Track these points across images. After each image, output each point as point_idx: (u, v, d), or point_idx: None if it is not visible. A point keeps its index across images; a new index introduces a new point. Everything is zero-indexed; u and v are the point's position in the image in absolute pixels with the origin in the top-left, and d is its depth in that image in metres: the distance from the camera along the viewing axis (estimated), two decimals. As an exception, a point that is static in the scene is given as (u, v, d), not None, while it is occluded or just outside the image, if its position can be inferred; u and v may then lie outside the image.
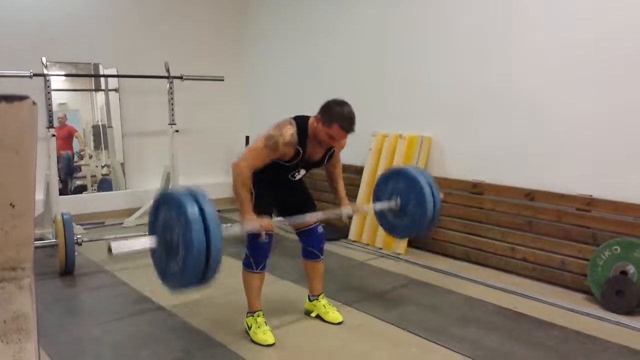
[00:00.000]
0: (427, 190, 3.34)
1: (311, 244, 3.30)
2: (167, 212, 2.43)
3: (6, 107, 0.67)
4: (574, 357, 2.94)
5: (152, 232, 2.55)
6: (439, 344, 3.07)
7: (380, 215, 3.62)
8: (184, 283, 2.40)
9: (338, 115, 2.86)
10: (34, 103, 0.71)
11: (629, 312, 3.47)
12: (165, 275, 2.50)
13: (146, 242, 2.45)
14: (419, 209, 3.36)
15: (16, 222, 0.72)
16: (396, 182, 3.50)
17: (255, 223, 2.76)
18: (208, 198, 2.41)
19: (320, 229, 3.30)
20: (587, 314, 3.51)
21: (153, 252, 2.54)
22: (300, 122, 2.97)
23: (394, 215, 3.53)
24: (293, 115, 3.05)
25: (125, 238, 2.37)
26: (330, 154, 3.14)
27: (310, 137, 2.97)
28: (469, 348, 3.01)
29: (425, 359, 2.92)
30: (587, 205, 3.81)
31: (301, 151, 2.96)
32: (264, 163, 2.91)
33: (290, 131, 2.89)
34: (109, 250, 2.38)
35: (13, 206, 0.72)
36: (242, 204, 2.80)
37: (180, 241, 2.33)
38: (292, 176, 3.13)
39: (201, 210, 2.31)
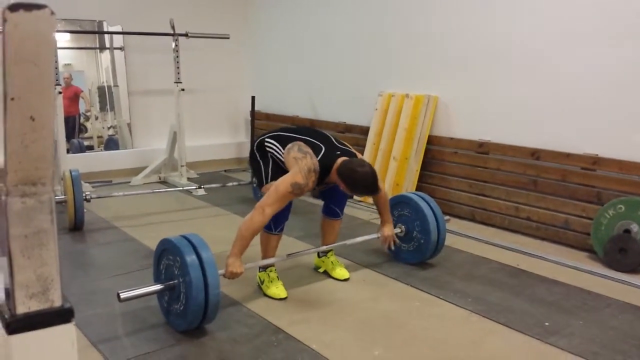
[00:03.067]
0: (430, 217, 3.51)
1: (334, 202, 3.34)
2: (169, 259, 2.70)
3: (24, 15, 0.67)
4: (575, 312, 2.99)
5: (156, 277, 2.84)
6: (441, 298, 3.13)
7: None
8: (187, 323, 2.61)
9: (361, 185, 2.90)
10: (52, 13, 0.72)
11: (632, 270, 3.51)
12: (169, 315, 2.75)
13: (151, 289, 2.67)
14: (424, 235, 3.51)
15: (36, 136, 0.74)
16: (401, 210, 3.66)
17: (229, 267, 2.79)
18: (205, 244, 2.64)
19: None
20: (590, 272, 3.55)
21: (159, 295, 2.81)
22: (324, 169, 2.96)
23: (400, 240, 3.61)
24: (320, 151, 3.01)
25: (135, 288, 2.64)
26: None
27: (329, 178, 3.02)
28: (471, 303, 3.07)
29: (427, 312, 2.98)
30: (593, 165, 3.82)
31: (316, 187, 3.08)
32: (286, 203, 2.95)
33: (313, 179, 2.91)
34: (118, 297, 2.54)
35: (33, 119, 0.73)
36: (238, 244, 2.82)
37: (181, 286, 2.60)
38: None
39: (199, 257, 2.57)
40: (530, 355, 2.57)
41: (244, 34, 6.99)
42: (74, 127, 6.55)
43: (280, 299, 3.08)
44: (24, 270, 0.79)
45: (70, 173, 4.26)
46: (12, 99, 0.75)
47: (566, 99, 3.96)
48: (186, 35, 5.69)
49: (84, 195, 4.27)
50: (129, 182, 5.91)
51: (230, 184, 5.39)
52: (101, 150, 6.60)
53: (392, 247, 3.48)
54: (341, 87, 5.81)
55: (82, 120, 6.71)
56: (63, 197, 4.31)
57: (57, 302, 0.83)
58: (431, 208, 3.55)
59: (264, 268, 3.20)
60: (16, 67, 0.73)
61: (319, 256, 3.51)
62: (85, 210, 4.33)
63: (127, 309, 2.91)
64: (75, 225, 4.22)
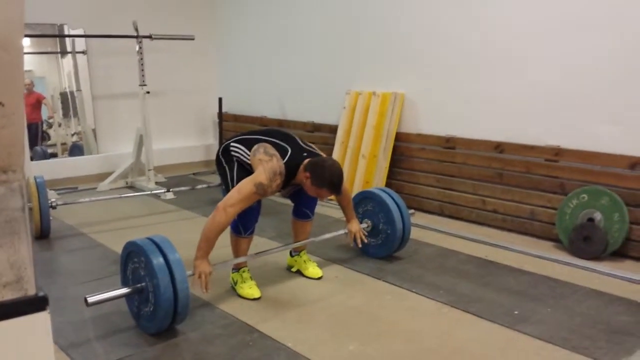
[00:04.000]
0: (394, 208, 3.58)
1: (304, 204, 3.34)
2: (134, 262, 2.69)
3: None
4: (543, 299, 3.06)
5: (123, 281, 2.83)
6: (412, 291, 3.17)
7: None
8: (157, 325, 2.61)
9: (327, 180, 2.90)
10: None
11: (596, 258, 3.62)
12: (139, 318, 2.73)
13: (118, 292, 2.64)
14: (390, 226, 3.58)
15: (6, 122, 0.73)
16: (365, 205, 3.72)
17: (197, 269, 2.78)
18: (171, 245, 2.64)
19: None
20: (556, 260, 3.64)
21: (127, 298, 2.78)
22: (291, 171, 2.97)
23: (367, 235, 3.63)
24: (286, 153, 3.01)
25: (103, 292, 2.59)
26: None
27: (295, 180, 3.04)
28: (442, 294, 3.12)
29: (399, 306, 3.02)
30: (555, 156, 3.91)
31: (281, 189, 3.09)
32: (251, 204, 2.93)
33: (278, 182, 2.91)
34: (86, 302, 2.49)
35: (3, 105, 0.72)
36: (203, 246, 2.80)
37: (149, 288, 2.58)
38: None
39: (165, 258, 2.56)
40: (500, 342, 2.62)
41: (210, 35, 6.94)
42: (36, 134, 6.41)
43: (254, 299, 3.08)
44: None
45: (35, 180, 4.16)
46: None
47: (528, 93, 4.05)
48: (150, 37, 5.64)
49: (49, 202, 4.19)
50: (96, 188, 5.82)
51: (199, 186, 5.35)
52: (65, 157, 6.47)
53: (360, 244, 3.50)
54: (309, 86, 5.83)
55: (44, 127, 6.57)
56: (28, 204, 4.20)
57: (31, 291, 0.83)
58: (394, 200, 3.62)
59: (236, 269, 3.19)
60: None
61: (291, 255, 3.51)
62: (51, 218, 4.24)
63: (98, 314, 2.87)
64: (41, 232, 4.13)
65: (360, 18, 5.19)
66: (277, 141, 3.07)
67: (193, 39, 5.98)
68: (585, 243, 3.65)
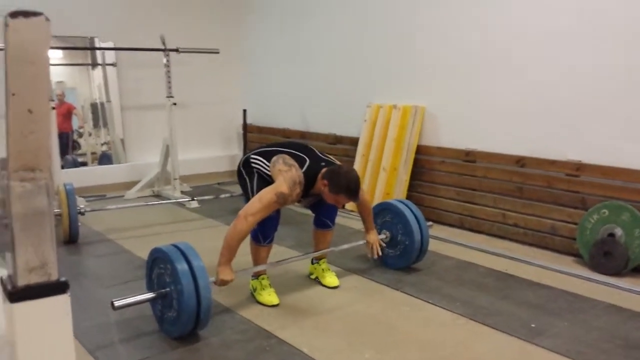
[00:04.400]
0: (412, 219, 3.62)
1: (324, 214, 3.41)
2: (160, 268, 2.78)
3: (23, 21, 0.76)
4: (561, 313, 3.06)
5: (148, 286, 2.92)
6: (430, 303, 3.20)
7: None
8: (180, 330, 2.69)
9: (345, 187, 2.98)
10: (47, 19, 0.81)
11: (616, 273, 3.60)
12: (163, 323, 2.82)
13: (143, 297, 2.74)
14: (408, 237, 3.61)
15: (34, 127, 0.82)
16: (384, 217, 3.77)
17: (219, 275, 2.86)
18: (195, 252, 2.71)
19: None
20: (576, 275, 3.63)
21: (152, 303, 2.87)
22: (309, 180, 3.06)
23: (386, 246, 3.72)
24: (305, 163, 3.10)
25: (128, 297, 2.70)
26: None
27: (313, 190, 3.13)
28: (459, 306, 3.14)
29: (416, 316, 3.05)
30: (577, 171, 3.91)
31: (301, 199, 3.19)
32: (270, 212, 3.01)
33: (297, 191, 3.00)
34: (112, 306, 2.60)
35: (31, 112, 0.81)
36: (225, 253, 2.88)
37: (173, 294, 2.66)
38: None
39: (189, 264, 2.64)
40: (516, 355, 2.64)
41: (235, 49, 7.09)
42: (67, 143, 6.61)
43: (273, 306, 3.14)
44: (24, 246, 0.87)
45: (65, 187, 4.31)
46: (13, 94, 0.84)
47: (549, 108, 4.07)
48: (177, 50, 5.79)
49: (78, 208, 4.33)
50: (123, 195, 5.97)
51: (222, 195, 5.45)
52: (95, 165, 6.65)
53: (379, 253, 3.54)
54: (331, 99, 5.91)
55: (75, 137, 6.77)
56: (58, 210, 4.35)
57: (54, 276, 0.91)
58: (412, 211, 3.66)
59: (256, 276, 3.26)
60: (16, 67, 0.82)
61: (312, 262, 3.58)
62: (79, 224, 4.38)
63: (122, 318, 2.96)
64: (70, 237, 4.27)
65: (380, 33, 5.26)
66: (296, 152, 3.16)
67: (218, 52, 6.14)
68: (606, 258, 3.63)
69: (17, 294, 0.91)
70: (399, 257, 3.69)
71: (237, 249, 2.91)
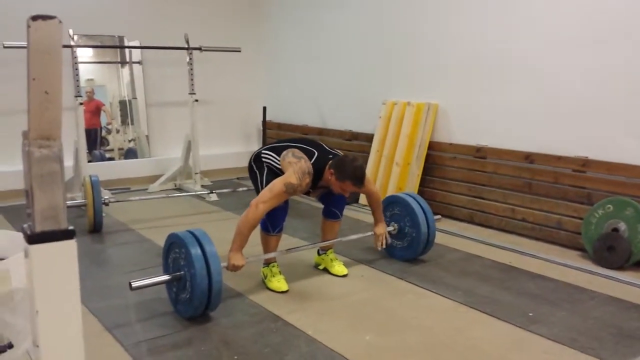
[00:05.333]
0: (419, 212, 3.74)
1: (334, 205, 3.57)
2: (175, 253, 2.96)
3: (42, 23, 0.98)
4: (560, 304, 3.16)
5: (165, 269, 3.11)
6: (433, 292, 3.33)
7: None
8: (192, 311, 2.86)
9: (350, 174, 3.14)
10: (60, 21, 1.01)
11: (619, 267, 3.67)
12: (177, 304, 2.99)
13: (159, 279, 2.94)
14: (415, 229, 3.74)
15: (49, 105, 1.02)
16: (393, 209, 3.90)
17: (231, 261, 3.03)
18: (208, 238, 2.89)
19: None
20: (579, 269, 3.71)
21: (167, 285, 3.04)
22: (318, 171, 3.22)
23: (394, 238, 3.87)
24: (313, 156, 3.27)
25: (146, 278, 2.91)
26: None
27: (322, 182, 3.29)
28: (461, 295, 3.26)
29: (419, 304, 3.18)
30: (583, 167, 3.99)
31: (310, 190, 3.33)
32: (281, 202, 3.18)
33: (307, 181, 3.17)
34: (130, 286, 2.81)
35: (47, 93, 1.02)
36: (237, 240, 3.06)
37: (187, 277, 2.83)
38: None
39: (202, 249, 2.81)
40: (511, 341, 2.75)
41: (256, 48, 7.29)
42: (95, 139, 6.89)
43: (282, 292, 3.30)
44: (40, 200, 1.07)
45: (90, 178, 4.54)
46: (34, 79, 1.06)
47: (557, 105, 4.15)
48: (199, 49, 6.00)
49: (102, 199, 4.56)
50: (147, 189, 6.20)
51: (240, 189, 5.65)
52: (121, 160, 6.92)
53: (384, 246, 3.67)
54: (348, 96, 6.06)
55: (104, 133, 7.04)
56: (83, 201, 4.59)
57: (64, 225, 1.12)
58: (420, 204, 3.79)
59: (266, 264, 3.43)
60: (35, 57, 1.03)
61: (318, 254, 3.73)
62: (104, 214, 4.61)
63: (139, 300, 3.16)
64: (94, 227, 4.50)
65: (396, 33, 5.40)
66: (305, 146, 3.32)
67: (239, 51, 6.33)
68: (609, 253, 3.71)
69: (35, 237, 1.14)
70: (406, 248, 3.82)
71: (248, 236, 3.08)
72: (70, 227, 1.17)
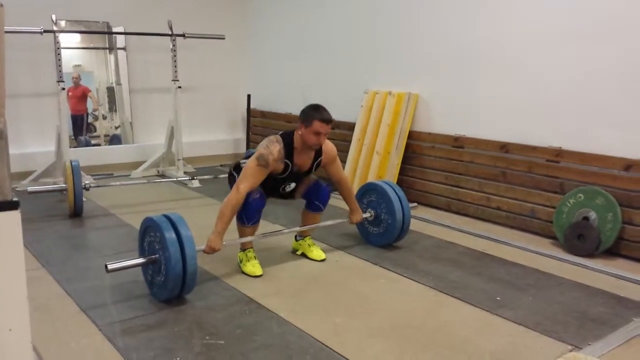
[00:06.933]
0: (395, 200, 3.80)
1: (318, 198, 3.61)
2: (151, 236, 2.99)
3: None
4: (527, 289, 3.24)
5: (140, 252, 3.14)
6: (405, 276, 3.40)
7: (358, 225, 4.05)
8: (167, 294, 2.91)
9: (314, 113, 3.25)
10: (1, 5, 1.04)
11: (589, 255, 3.76)
12: (152, 286, 3.04)
13: (134, 262, 2.98)
14: (390, 216, 3.81)
15: None
16: (370, 196, 3.97)
17: (208, 242, 3.09)
18: (184, 222, 2.92)
19: (324, 185, 3.64)
20: (550, 256, 3.80)
21: (143, 267, 3.09)
22: (286, 137, 3.31)
23: (370, 224, 3.96)
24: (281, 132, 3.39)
25: (122, 260, 2.94)
26: (318, 162, 3.47)
27: (297, 149, 3.33)
28: (432, 280, 3.34)
29: (391, 288, 3.25)
30: (556, 157, 4.07)
31: (290, 164, 3.33)
32: (260, 180, 3.24)
33: (277, 148, 3.24)
34: (106, 268, 2.85)
35: None
36: (219, 223, 3.11)
37: (162, 260, 2.87)
38: (283, 189, 3.52)
39: (177, 234, 2.85)
40: (477, 323, 2.82)
41: (240, 35, 7.29)
42: (82, 125, 6.89)
43: (256, 276, 3.36)
44: None
45: (71, 163, 4.56)
46: None
47: (533, 96, 4.22)
48: (183, 35, 6.01)
49: (83, 184, 4.58)
50: (130, 175, 6.22)
51: (222, 176, 5.67)
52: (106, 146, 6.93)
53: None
54: (331, 85, 6.09)
55: (90, 119, 7.04)
56: (64, 185, 4.61)
57: (8, 197, 1.16)
58: (395, 192, 3.85)
59: (243, 249, 3.48)
60: None
61: (296, 239, 3.78)
62: (84, 200, 4.64)
63: (116, 283, 3.21)
64: (74, 211, 4.53)
65: (378, 22, 5.43)
66: None
67: (223, 38, 6.34)
68: (579, 241, 3.80)
69: (-21, 208, 1.18)
70: (382, 234, 3.89)
71: (230, 219, 3.14)
72: (15, 199, 1.22)
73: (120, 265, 2.91)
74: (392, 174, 5.08)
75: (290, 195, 3.62)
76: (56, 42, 5.24)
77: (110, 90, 7.06)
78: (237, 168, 3.48)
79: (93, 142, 6.97)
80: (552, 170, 4.10)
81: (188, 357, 2.43)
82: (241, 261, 3.47)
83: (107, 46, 7.01)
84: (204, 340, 2.58)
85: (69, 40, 6.57)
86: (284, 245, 3.91)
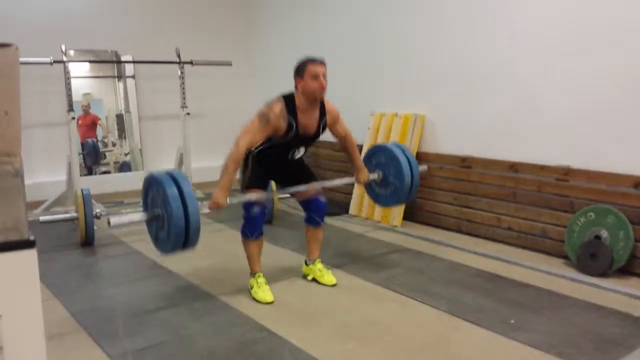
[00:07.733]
0: (404, 163, 3.77)
1: (314, 211, 3.64)
2: (154, 192, 3.00)
3: (1, 50, 1.05)
4: (541, 311, 3.21)
5: (144, 207, 3.16)
6: (417, 300, 3.38)
7: (366, 186, 4.03)
8: (171, 246, 2.94)
9: (305, 60, 3.34)
10: (16, 48, 1.09)
11: (602, 274, 3.72)
12: (157, 241, 3.08)
13: (137, 216, 3.03)
14: (398, 179, 3.78)
15: (9, 124, 1.11)
16: (378, 158, 3.95)
17: (213, 198, 3.14)
18: (186, 179, 2.96)
19: (322, 198, 3.64)
20: (562, 276, 3.77)
21: (147, 223, 3.11)
22: (287, 96, 3.35)
23: (378, 186, 3.93)
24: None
25: (124, 214, 2.96)
26: (323, 124, 3.47)
27: (299, 107, 3.33)
28: (445, 303, 3.32)
29: (403, 313, 3.23)
30: (565, 175, 4.06)
31: (293, 123, 3.29)
32: (261, 138, 3.25)
33: (278, 106, 3.26)
34: (108, 223, 2.90)
35: (7, 113, 1.10)
36: (223, 176, 3.17)
37: (165, 215, 2.89)
38: (292, 155, 3.50)
39: (179, 189, 2.86)
40: (491, 347, 2.80)
41: (247, 60, 7.38)
42: (94, 152, 6.97)
43: (267, 303, 3.36)
44: (3, 213, 1.15)
45: (82, 192, 4.60)
46: None
47: (540, 115, 4.22)
48: (191, 63, 6.09)
49: (94, 212, 4.61)
50: (139, 202, 6.24)
51: (233, 201, 5.69)
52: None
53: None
54: (338, 107, 6.10)
55: (100, 147, 7.11)
56: (75, 214, 4.64)
57: (25, 235, 1.19)
58: (405, 155, 3.84)
59: (252, 273, 3.49)
60: None
61: (306, 264, 3.78)
62: (96, 228, 4.66)
63: (128, 311, 3.22)
64: (86, 240, 4.55)
65: (384, 45, 5.48)
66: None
67: (230, 65, 6.42)
68: (592, 260, 3.77)
69: (-2, 247, 1.21)
70: (390, 196, 3.91)
71: (233, 171, 3.18)
72: (32, 238, 1.24)
73: (123, 221, 2.98)
74: (401, 196, 5.08)
75: (295, 175, 3.58)
76: (66, 72, 5.32)
77: (120, 118, 7.14)
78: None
79: (103, 169, 7.04)
80: (561, 189, 4.09)
81: (201, 388, 2.43)
82: (252, 287, 3.47)
83: (116, 74, 7.11)
84: (217, 370, 2.58)
85: (79, 69, 6.67)
86: (294, 269, 3.90)
